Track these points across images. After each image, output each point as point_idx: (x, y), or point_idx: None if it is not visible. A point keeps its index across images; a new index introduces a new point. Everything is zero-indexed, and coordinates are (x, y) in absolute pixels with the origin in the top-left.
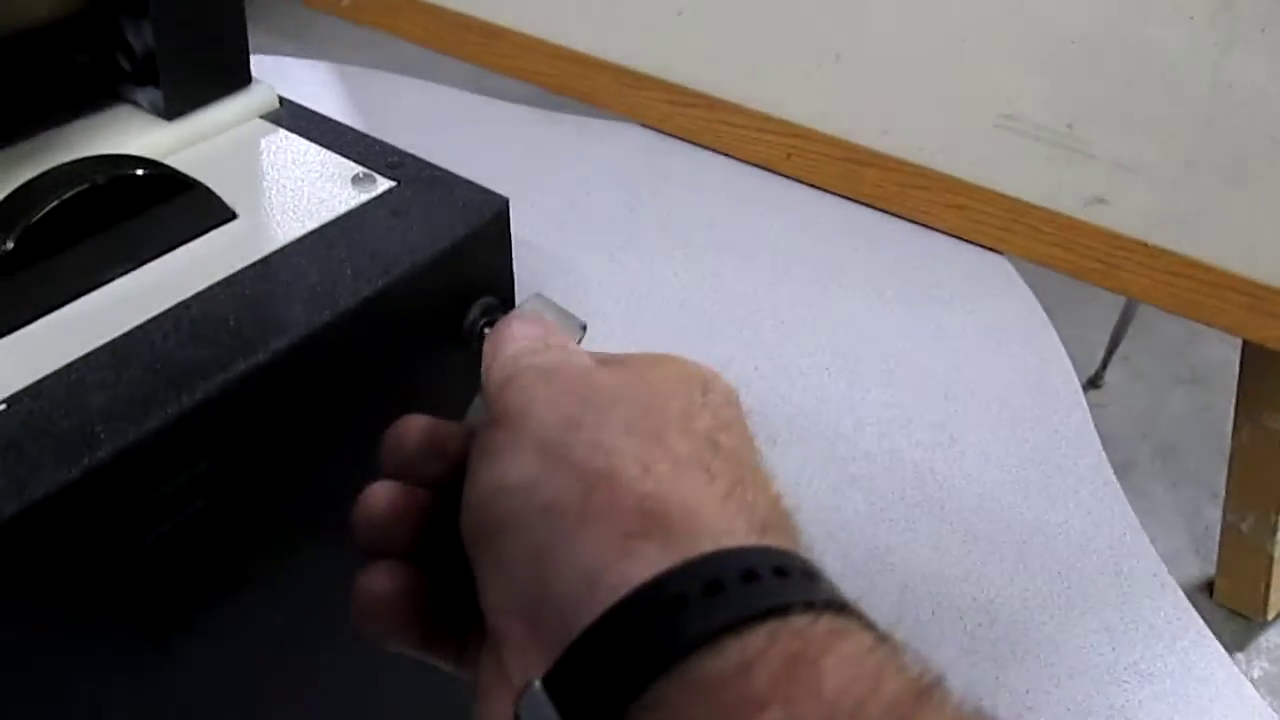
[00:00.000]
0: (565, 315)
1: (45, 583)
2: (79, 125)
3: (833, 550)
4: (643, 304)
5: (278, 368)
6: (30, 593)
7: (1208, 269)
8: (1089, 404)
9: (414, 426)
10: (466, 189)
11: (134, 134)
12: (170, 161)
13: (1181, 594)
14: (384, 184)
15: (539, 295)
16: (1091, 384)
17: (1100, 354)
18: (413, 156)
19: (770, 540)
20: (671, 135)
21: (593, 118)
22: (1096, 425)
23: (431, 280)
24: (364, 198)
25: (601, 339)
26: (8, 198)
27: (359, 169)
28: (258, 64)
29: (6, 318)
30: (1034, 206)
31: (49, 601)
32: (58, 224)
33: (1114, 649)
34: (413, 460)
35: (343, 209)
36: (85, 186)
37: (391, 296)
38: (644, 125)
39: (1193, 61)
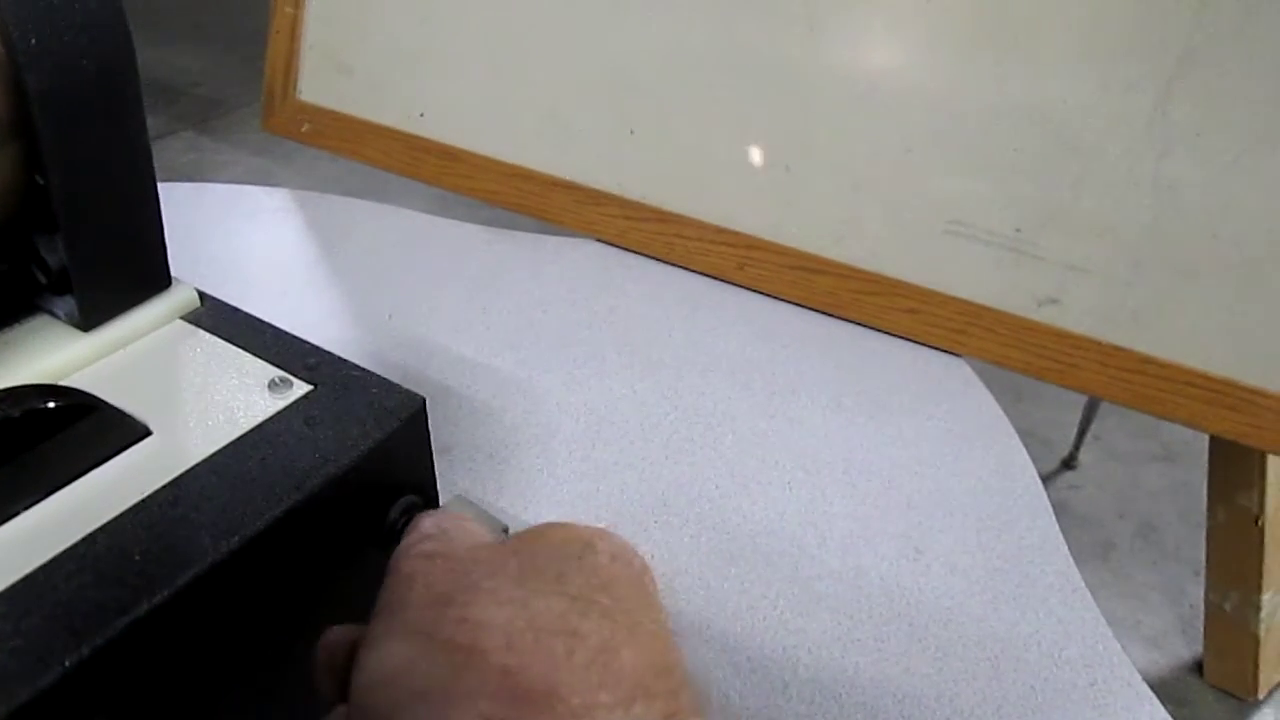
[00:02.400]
0: (486, 517)
1: None
2: None
3: (801, 674)
4: (601, 424)
5: (183, 602)
6: None
7: (1163, 365)
8: (1065, 485)
9: (343, 640)
10: (384, 389)
11: (50, 348)
12: (87, 373)
13: (1158, 703)
14: (301, 388)
15: (460, 497)
16: (1067, 465)
17: (1073, 434)
18: (330, 355)
19: (640, 708)
20: (627, 249)
21: (549, 234)
22: (1074, 506)
23: (348, 488)
24: (280, 404)
25: (562, 462)
26: None
27: (276, 373)
28: (216, 192)
29: None
30: (987, 308)
31: None
32: None
33: None
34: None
35: (259, 418)
36: None
37: (304, 512)
38: (600, 240)
39: (1133, 166)
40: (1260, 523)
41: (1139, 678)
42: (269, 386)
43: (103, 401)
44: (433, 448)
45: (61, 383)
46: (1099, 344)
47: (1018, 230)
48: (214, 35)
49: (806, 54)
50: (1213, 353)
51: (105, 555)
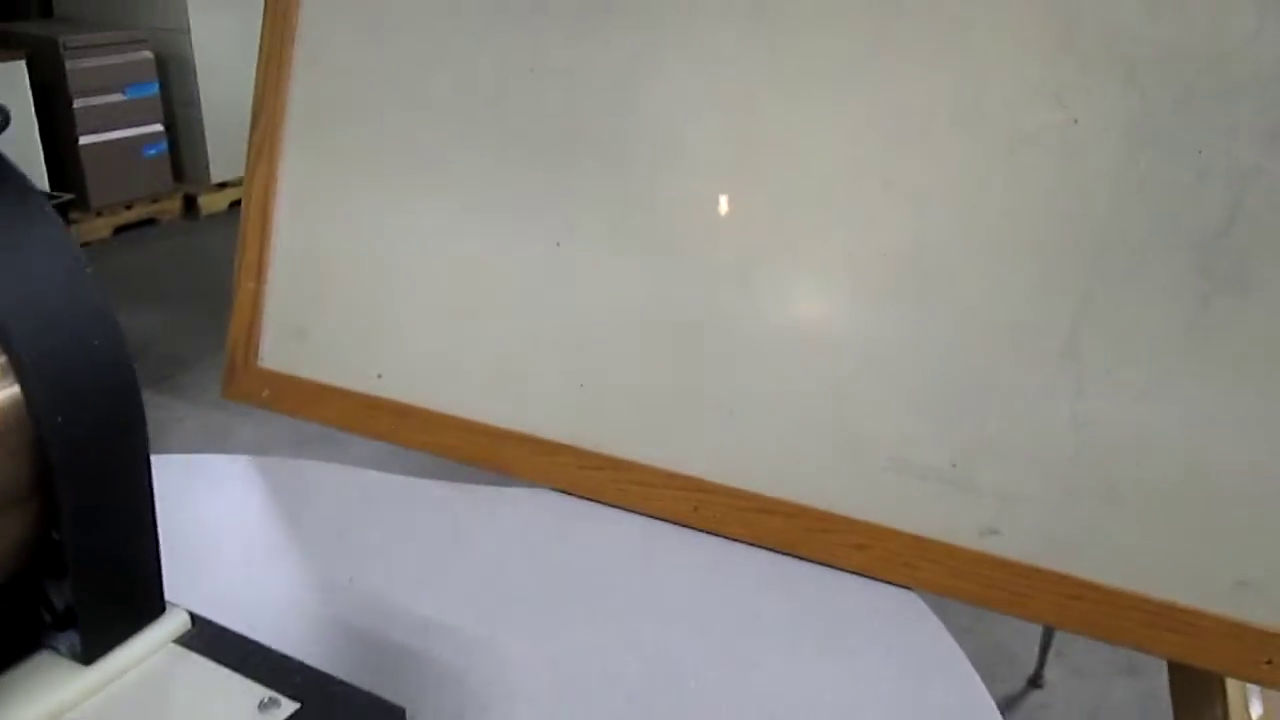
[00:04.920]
0: None
1: None
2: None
3: None
4: (565, 680)
5: None
6: None
7: (1105, 590)
8: (1035, 705)
9: None
10: (366, 703)
11: (54, 685)
12: (88, 707)
13: None
14: (289, 706)
15: None
16: (1034, 683)
17: (1036, 646)
18: (317, 672)
19: None
20: (582, 497)
21: (505, 486)
22: None
23: None
24: None
25: None
26: None
27: (266, 693)
28: (179, 463)
29: None
30: (933, 542)
31: None
32: None
33: None
34: None
35: None
36: None
37: None
38: (555, 490)
39: (1051, 402)
40: None
41: None
42: (259, 707)
43: None
44: None
45: (65, 718)
46: (1041, 571)
47: (954, 465)
48: (169, 294)
49: (741, 308)
50: (1150, 576)
51: None
